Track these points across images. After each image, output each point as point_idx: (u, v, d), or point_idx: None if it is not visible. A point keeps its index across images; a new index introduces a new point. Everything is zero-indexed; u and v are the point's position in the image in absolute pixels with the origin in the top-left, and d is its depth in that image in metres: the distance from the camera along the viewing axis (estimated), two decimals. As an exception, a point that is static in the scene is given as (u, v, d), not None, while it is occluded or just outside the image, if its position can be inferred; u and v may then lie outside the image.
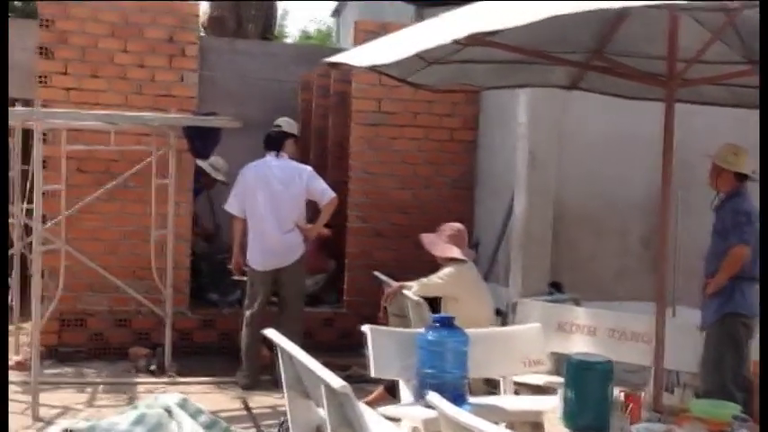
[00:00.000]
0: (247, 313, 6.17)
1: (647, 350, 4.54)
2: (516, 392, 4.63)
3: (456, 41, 3.54)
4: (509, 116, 6.49)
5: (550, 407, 3.82)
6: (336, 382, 3.08)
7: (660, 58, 4.27)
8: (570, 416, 3.55)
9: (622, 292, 6.01)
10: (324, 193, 6.06)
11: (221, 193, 7.06)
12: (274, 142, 6.24)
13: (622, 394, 3.67)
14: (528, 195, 6.07)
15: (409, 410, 4.01)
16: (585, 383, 3.56)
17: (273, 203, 6.03)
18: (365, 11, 15.22)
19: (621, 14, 4.27)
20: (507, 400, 4.32)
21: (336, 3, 20.44)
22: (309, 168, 6.19)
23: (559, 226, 6.15)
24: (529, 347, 4.54)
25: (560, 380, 4.07)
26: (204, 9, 11.90)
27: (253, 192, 6.10)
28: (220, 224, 7.83)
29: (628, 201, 6.28)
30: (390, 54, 3.50)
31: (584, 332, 5.07)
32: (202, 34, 11.90)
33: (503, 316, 5.85)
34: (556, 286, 6.08)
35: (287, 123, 6.32)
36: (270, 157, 6.17)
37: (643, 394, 3.95)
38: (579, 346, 4.91)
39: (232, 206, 6.21)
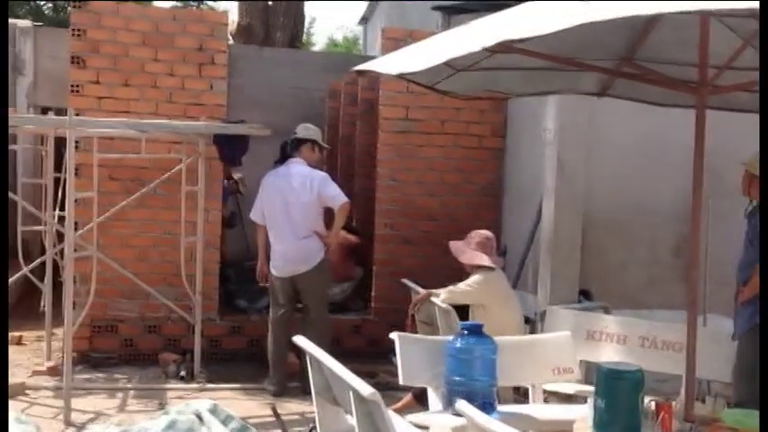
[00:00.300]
0: (270, 320, 6.22)
1: (678, 359, 4.50)
2: (546, 401, 4.61)
3: (485, 49, 3.54)
4: (537, 123, 6.47)
5: (580, 416, 3.79)
6: (366, 389, 3.08)
7: (691, 64, 4.24)
8: (601, 425, 3.52)
9: (652, 301, 5.96)
10: (335, 198, 6.02)
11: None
12: (289, 149, 6.27)
13: (653, 404, 3.64)
14: (556, 203, 6.04)
15: (438, 418, 4.00)
16: (616, 392, 3.53)
17: (287, 210, 6.05)
18: (392, 18, 15.27)
19: (651, 21, 4.25)
20: (537, 409, 4.29)
21: (364, 10, 20.50)
22: (322, 174, 6.14)
23: (588, 234, 6.11)
24: (558, 355, 4.51)
25: (590, 389, 4.04)
26: (233, 17, 12.00)
27: (269, 199, 6.15)
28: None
29: (658, 208, 6.23)
30: (419, 62, 3.51)
31: (614, 341, 5.02)
32: (231, 42, 12.01)
33: (531, 324, 5.83)
34: (585, 294, 6.04)
35: (303, 129, 6.30)
36: (287, 164, 6.20)
37: (674, 404, 3.91)
38: (609, 354, 4.87)
39: (255, 214, 6.29)
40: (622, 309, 5.61)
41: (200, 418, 3.77)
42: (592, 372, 4.38)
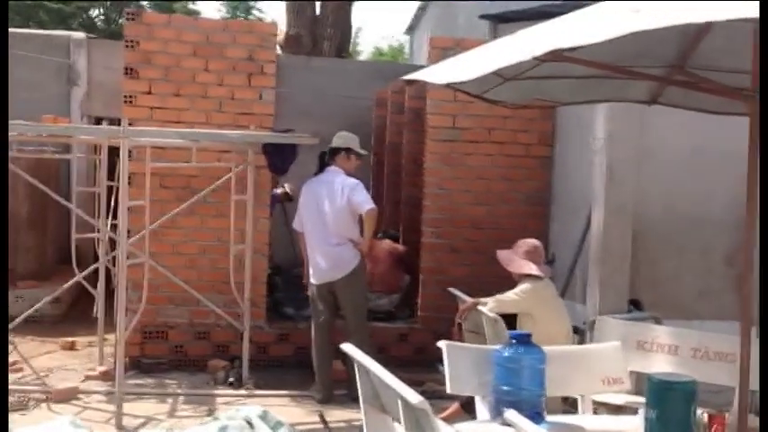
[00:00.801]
0: (312, 327, 6.27)
1: (731, 370, 4.41)
2: (595, 412, 4.56)
3: (535, 58, 3.53)
4: (586, 131, 6.42)
5: (631, 427, 3.75)
6: (414, 397, 3.08)
7: (744, 72, 4.17)
8: (652, 437, 3.48)
9: (704, 311, 5.86)
10: (361, 204, 6.03)
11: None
12: (325, 158, 6.36)
13: (706, 415, 3.59)
14: (606, 211, 5.98)
15: (486, 427, 3.98)
16: (668, 404, 3.48)
17: (321, 217, 6.13)
18: (439, 27, 15.28)
19: (703, 28, 4.19)
20: (586, 420, 4.25)
21: (410, 20, 20.56)
22: (353, 181, 6.15)
23: (639, 243, 6.04)
24: (608, 366, 4.45)
25: (641, 399, 3.99)
26: (281, 27, 12.13)
27: (306, 207, 6.26)
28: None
29: (710, 217, 6.13)
30: (469, 71, 3.51)
31: (665, 351, 4.94)
32: (279, 52, 12.14)
33: (580, 334, 5.77)
34: (635, 304, 5.97)
35: (336, 138, 6.34)
36: (324, 173, 6.27)
37: (727, 416, 3.85)
38: (660, 365, 4.80)
39: (296, 223, 6.41)
40: (673, 319, 5.52)
41: (250, 423, 3.81)
42: (642, 383, 4.31)
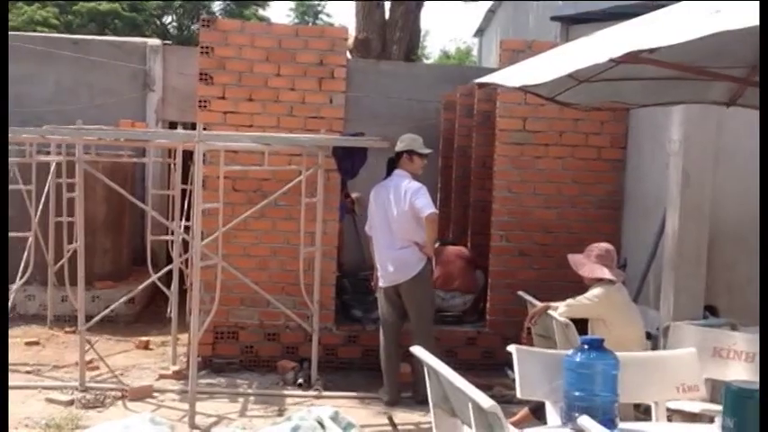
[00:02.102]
0: (380, 330, 6.33)
1: (813, 380, 4.27)
2: (669, 419, 4.46)
3: (611, 60, 3.48)
4: (660, 134, 6.30)
5: (707, 436, 3.66)
6: (485, 401, 3.07)
7: (828, 71, 4.04)
8: (729, 446, 3.39)
9: (784, 318, 5.68)
10: (421, 209, 6.01)
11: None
12: (390, 162, 6.42)
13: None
14: (681, 215, 5.84)
15: (558, 433, 3.94)
16: (746, 412, 3.38)
17: (387, 221, 6.18)
18: (508, 30, 15.18)
19: (785, 27, 4.07)
20: (660, 428, 4.16)
21: (480, 22, 20.47)
22: (416, 186, 6.13)
23: (715, 247, 5.88)
24: (683, 373, 4.35)
25: (717, 408, 3.90)
26: (351, 32, 12.22)
27: (373, 211, 6.32)
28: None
29: (790, 221, 5.94)
30: (543, 74, 3.48)
31: (742, 359, 4.82)
32: (349, 57, 12.24)
33: (653, 340, 5.66)
34: (711, 310, 5.82)
35: (399, 142, 6.34)
36: (390, 177, 6.31)
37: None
38: (737, 373, 4.68)
39: (366, 226, 6.47)
40: (751, 326, 5.37)
41: (321, 424, 3.85)
42: (718, 390, 4.21)
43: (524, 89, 4.10)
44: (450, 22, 60.75)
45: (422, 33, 16.21)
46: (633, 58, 3.38)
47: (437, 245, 7.44)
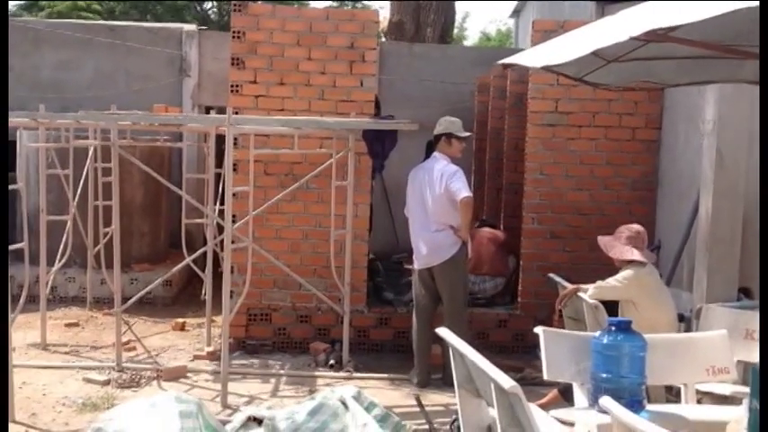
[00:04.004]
0: (413, 312, 6.35)
1: None
2: (699, 401, 4.43)
3: (635, 38, 3.43)
4: (695, 114, 6.21)
5: (735, 418, 3.62)
6: (507, 382, 3.07)
7: None
8: (755, 428, 3.35)
9: (820, 301, 5.57)
10: (456, 192, 5.98)
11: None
12: (429, 145, 6.42)
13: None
14: (715, 196, 5.76)
15: (583, 414, 3.93)
16: (773, 395, 3.34)
17: (423, 203, 6.18)
18: (544, 10, 15.03)
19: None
20: (689, 409, 4.13)
21: (516, 3, 20.28)
22: (453, 169, 6.10)
23: (749, 229, 5.78)
24: (714, 355, 4.32)
25: (747, 390, 3.85)
26: (385, 14, 12.20)
27: (410, 194, 6.33)
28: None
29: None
30: (564, 54, 3.46)
31: (775, 341, 4.74)
32: (383, 39, 12.23)
33: (686, 322, 5.60)
34: (745, 292, 5.73)
35: (439, 125, 6.30)
36: (429, 159, 6.31)
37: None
38: (769, 356, 4.61)
39: (405, 208, 6.44)
40: (786, 309, 5.28)
41: (344, 403, 3.88)
42: (750, 373, 4.16)
43: (549, 69, 4.06)
44: (491, 4, 60.20)
45: (461, 15, 16.11)
46: (659, 36, 3.34)
47: (476, 225, 7.44)
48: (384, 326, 7.11)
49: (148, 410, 3.58)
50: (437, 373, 6.16)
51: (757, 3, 2.69)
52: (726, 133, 5.75)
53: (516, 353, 6.78)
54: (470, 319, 6.52)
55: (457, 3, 13.28)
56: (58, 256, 7.46)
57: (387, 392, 5.95)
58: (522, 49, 8.53)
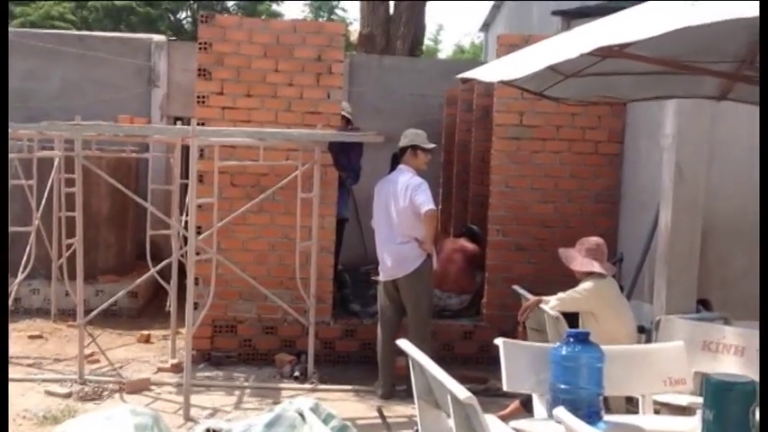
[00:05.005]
0: (378, 323, 6.38)
1: (800, 373, 4.27)
2: (657, 412, 4.48)
3: (590, 54, 3.50)
4: (656, 128, 6.30)
5: (689, 428, 3.68)
6: (462, 392, 3.10)
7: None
8: (708, 438, 3.40)
9: (778, 312, 5.66)
10: (420, 205, 6.02)
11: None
12: (395, 158, 6.46)
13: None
14: (674, 209, 5.84)
15: (542, 425, 3.97)
16: (726, 404, 3.39)
17: (388, 215, 6.21)
18: (512, 24, 15.17)
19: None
20: (645, 420, 4.18)
21: (485, 17, 20.45)
22: (417, 181, 6.13)
23: (709, 241, 5.88)
24: (671, 366, 4.38)
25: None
26: (355, 27, 12.27)
27: (376, 206, 6.36)
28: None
29: (784, 215, 5.92)
30: (521, 69, 3.51)
31: (731, 352, 4.81)
32: (353, 52, 12.28)
33: (647, 333, 5.66)
34: (704, 304, 5.81)
35: (404, 137, 6.32)
36: (395, 171, 6.33)
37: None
38: (727, 366, 4.68)
39: (372, 220, 6.46)
40: (744, 320, 5.36)
41: (301, 415, 3.89)
42: (704, 383, 4.22)
43: (508, 83, 4.12)
44: (464, 17, 60.63)
45: (434, 28, 16.25)
46: (609, 51, 3.40)
47: (459, 233, 7.46)
48: (350, 337, 7.12)
49: (104, 423, 3.57)
50: (402, 385, 6.17)
51: (708, 20, 2.75)
52: (685, 148, 5.85)
53: (481, 364, 6.81)
54: (435, 331, 6.55)
55: (429, 16, 13.39)
56: (21, 268, 7.39)
57: (351, 404, 5.95)
58: (488, 63, 8.61)
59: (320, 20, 25.63)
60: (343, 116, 7.35)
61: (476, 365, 6.79)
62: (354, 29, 10.66)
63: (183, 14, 26.39)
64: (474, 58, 32.99)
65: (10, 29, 15.93)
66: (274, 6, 27.66)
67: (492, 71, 3.85)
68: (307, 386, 6.38)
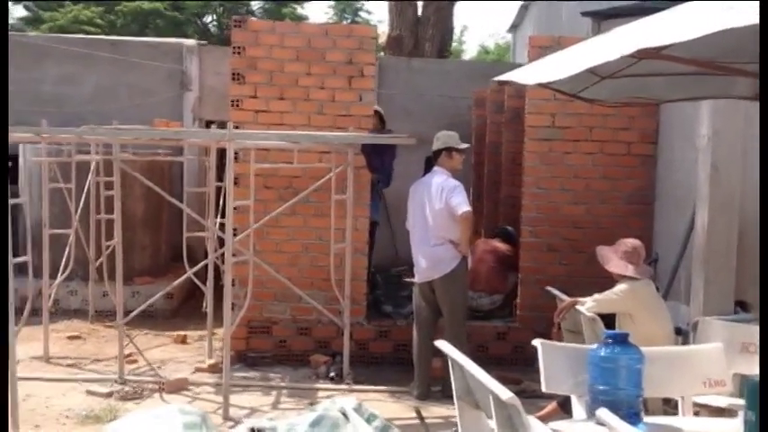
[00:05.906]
0: (414, 325, 6.40)
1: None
2: (696, 414, 4.48)
3: (628, 56, 3.51)
4: (690, 129, 6.28)
5: (731, 430, 3.68)
6: (505, 393, 3.13)
7: None
8: (750, 440, 3.40)
9: (816, 313, 5.63)
10: (455, 207, 6.04)
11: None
12: (428, 161, 6.49)
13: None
14: (710, 209, 5.82)
15: (581, 427, 3.98)
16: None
17: (423, 217, 6.24)
18: (541, 25, 15.15)
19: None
20: (685, 422, 4.18)
21: (513, 18, 20.41)
22: (453, 183, 6.16)
23: (745, 242, 5.85)
24: (710, 368, 4.37)
25: (743, 402, 3.90)
26: (384, 29, 12.32)
27: (411, 207, 6.39)
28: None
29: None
30: (558, 71, 3.53)
31: (770, 353, 4.79)
32: (382, 54, 12.34)
33: (684, 335, 5.65)
34: (742, 305, 5.78)
35: (435, 140, 6.36)
36: (430, 173, 6.36)
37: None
38: (765, 367, 4.66)
39: (407, 222, 6.48)
40: (782, 321, 5.33)
41: (345, 415, 3.94)
42: (745, 385, 4.21)
43: (545, 86, 4.13)
44: (489, 18, 60.51)
45: (459, 28, 16.26)
46: (650, 54, 3.41)
47: (493, 234, 7.46)
48: (384, 338, 7.16)
49: (153, 422, 3.64)
50: (437, 386, 6.21)
51: (744, 23, 2.76)
52: (720, 148, 5.82)
53: (516, 365, 6.83)
54: (469, 332, 6.57)
55: (455, 16, 13.42)
56: (61, 269, 7.52)
57: (387, 405, 5.99)
58: (519, 64, 8.63)
59: (344, 22, 25.71)
60: (379, 115, 7.40)
61: (510, 367, 6.80)
62: (380, 31, 10.68)
63: (208, 18, 26.62)
64: (499, 58, 32.94)
65: (42, 34, 16.19)
66: (299, 9, 27.83)
67: (530, 73, 3.87)
68: (343, 387, 6.43)
